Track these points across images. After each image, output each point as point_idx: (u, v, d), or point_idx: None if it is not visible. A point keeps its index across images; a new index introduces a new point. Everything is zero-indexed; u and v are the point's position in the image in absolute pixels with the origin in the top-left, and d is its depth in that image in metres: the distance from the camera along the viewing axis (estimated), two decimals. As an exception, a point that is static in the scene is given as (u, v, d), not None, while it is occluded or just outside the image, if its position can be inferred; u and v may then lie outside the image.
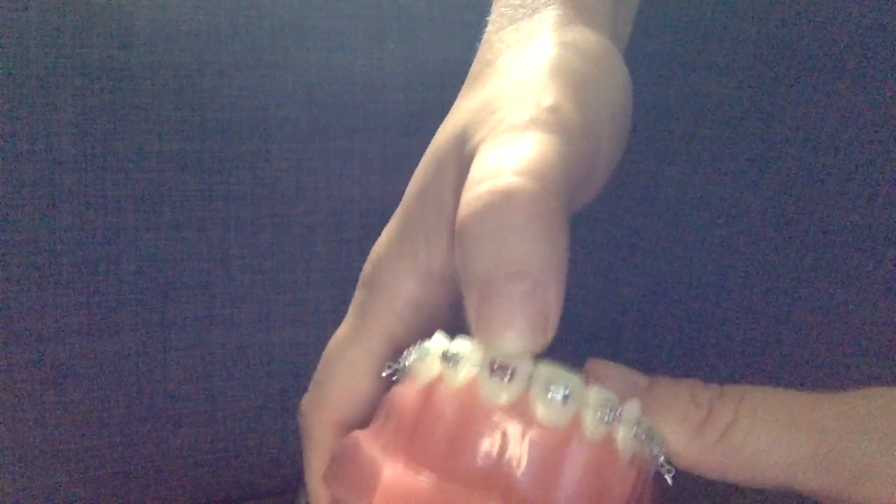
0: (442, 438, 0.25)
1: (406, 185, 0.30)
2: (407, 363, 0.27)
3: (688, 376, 0.36)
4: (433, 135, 0.31)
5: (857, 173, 0.36)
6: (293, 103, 0.46)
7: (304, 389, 0.31)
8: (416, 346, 0.27)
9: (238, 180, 0.46)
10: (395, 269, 0.29)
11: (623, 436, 0.25)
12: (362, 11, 0.48)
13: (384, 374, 0.28)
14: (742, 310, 0.39)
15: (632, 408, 0.26)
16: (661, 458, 0.26)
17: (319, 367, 0.31)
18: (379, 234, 0.31)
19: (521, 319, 0.24)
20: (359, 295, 0.30)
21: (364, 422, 0.29)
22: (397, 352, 0.28)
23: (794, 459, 0.25)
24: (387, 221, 0.31)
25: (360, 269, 0.30)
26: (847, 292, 0.36)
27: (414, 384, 0.26)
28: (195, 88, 0.45)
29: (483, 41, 0.32)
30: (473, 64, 0.32)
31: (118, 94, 0.43)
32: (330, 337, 0.31)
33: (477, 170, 0.25)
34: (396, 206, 0.31)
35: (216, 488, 0.48)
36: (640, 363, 0.43)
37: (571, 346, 0.29)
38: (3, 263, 0.42)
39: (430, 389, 0.26)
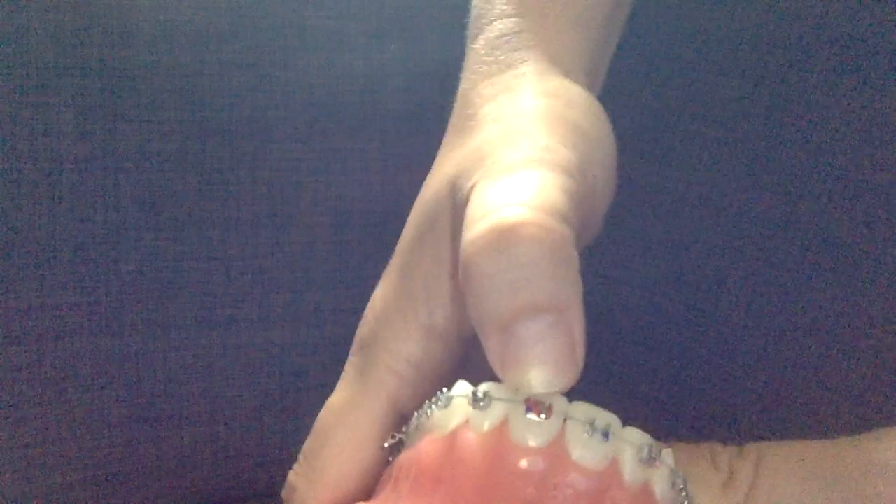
0: (469, 488, 0.22)
1: (406, 185, 0.30)
2: (416, 425, 0.25)
3: (687, 376, 0.36)
4: (433, 135, 0.30)
5: (857, 173, 0.36)
6: (293, 103, 0.46)
7: (305, 389, 0.31)
8: (434, 399, 0.25)
9: (238, 180, 0.46)
10: (395, 327, 0.27)
11: (661, 482, 0.24)
12: (362, 11, 0.48)
13: (387, 445, 0.26)
14: (742, 310, 0.39)
15: (668, 454, 0.24)
16: None
17: (311, 437, 0.28)
18: (379, 234, 0.30)
19: (549, 356, 0.22)
20: (355, 359, 0.28)
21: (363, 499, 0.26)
22: (399, 419, 0.27)
23: None
24: (387, 222, 0.30)
25: (361, 269, 0.30)
26: (847, 292, 0.36)
27: (434, 435, 0.24)
28: (195, 88, 0.45)
29: (458, 98, 0.31)
30: (452, 119, 0.30)
31: (118, 94, 0.43)
32: (330, 336, 0.30)
33: (475, 208, 0.24)
34: (396, 206, 0.30)
35: (216, 488, 0.48)
36: (640, 363, 0.43)
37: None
38: (3, 263, 0.42)
39: (454, 437, 0.23)
